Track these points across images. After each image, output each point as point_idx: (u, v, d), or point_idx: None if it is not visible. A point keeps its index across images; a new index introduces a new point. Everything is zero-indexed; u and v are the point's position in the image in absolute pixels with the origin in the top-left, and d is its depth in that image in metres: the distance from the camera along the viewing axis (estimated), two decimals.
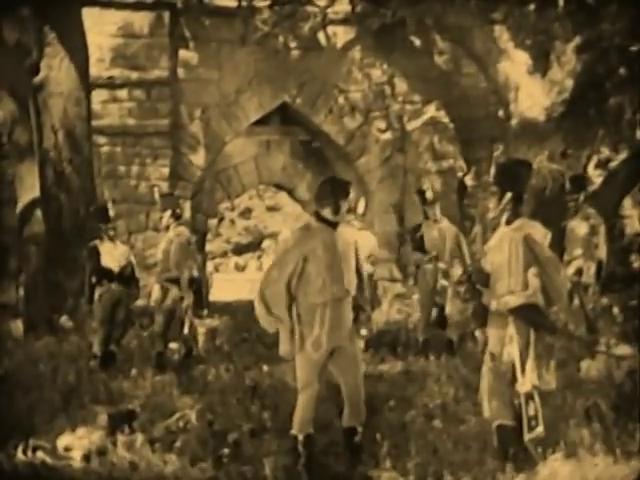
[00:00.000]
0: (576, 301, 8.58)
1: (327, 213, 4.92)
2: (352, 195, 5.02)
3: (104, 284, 8.27)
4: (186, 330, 8.35)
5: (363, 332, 5.26)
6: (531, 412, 4.46)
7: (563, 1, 10.17)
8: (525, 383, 4.49)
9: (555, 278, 4.60)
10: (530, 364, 4.50)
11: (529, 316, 4.55)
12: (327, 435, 5.34)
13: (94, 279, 8.29)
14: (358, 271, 5.09)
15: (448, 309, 8.75)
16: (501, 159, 6.16)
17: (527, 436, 4.47)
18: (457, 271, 8.64)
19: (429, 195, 8.89)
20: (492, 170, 5.04)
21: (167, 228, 8.56)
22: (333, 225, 4.94)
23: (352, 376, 4.96)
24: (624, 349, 4.87)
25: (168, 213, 8.54)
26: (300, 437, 4.91)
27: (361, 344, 5.12)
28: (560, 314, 4.54)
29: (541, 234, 4.73)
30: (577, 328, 8.51)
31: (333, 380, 5.16)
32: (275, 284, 4.86)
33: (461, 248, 8.81)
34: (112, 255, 8.33)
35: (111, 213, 8.42)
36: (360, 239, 5.95)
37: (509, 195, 4.76)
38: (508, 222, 4.79)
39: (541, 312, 4.56)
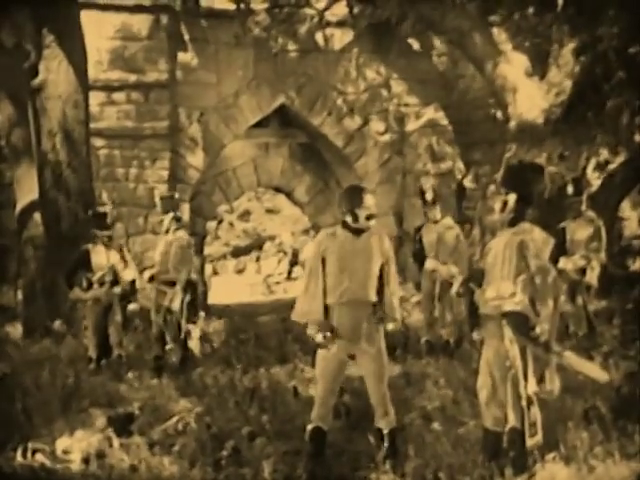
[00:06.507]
0: (579, 302, 8.59)
1: (348, 220, 5.07)
2: (371, 202, 5.04)
3: (94, 288, 8.24)
4: (182, 334, 8.33)
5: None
6: (532, 418, 4.41)
7: (561, 3, 10.17)
8: (527, 388, 4.45)
9: (541, 288, 4.49)
10: (530, 370, 4.44)
11: (516, 323, 4.47)
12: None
13: (84, 283, 8.26)
14: (385, 279, 5.09)
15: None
16: (513, 161, 6.07)
17: (529, 441, 4.43)
18: (453, 272, 8.63)
19: (428, 196, 8.87)
20: (501, 171, 4.96)
21: (167, 231, 8.54)
22: (357, 232, 5.05)
23: (374, 378, 5.03)
24: (600, 374, 4.70)
25: (169, 216, 8.53)
26: (308, 427, 4.99)
27: (383, 346, 5.09)
28: (543, 324, 4.45)
29: (541, 241, 4.62)
30: (578, 329, 8.51)
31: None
32: (313, 286, 5.03)
33: (459, 249, 8.76)
34: (104, 259, 8.28)
35: (109, 220, 8.39)
36: None
37: (513, 196, 4.69)
38: (510, 224, 4.71)
39: (528, 321, 4.46)
